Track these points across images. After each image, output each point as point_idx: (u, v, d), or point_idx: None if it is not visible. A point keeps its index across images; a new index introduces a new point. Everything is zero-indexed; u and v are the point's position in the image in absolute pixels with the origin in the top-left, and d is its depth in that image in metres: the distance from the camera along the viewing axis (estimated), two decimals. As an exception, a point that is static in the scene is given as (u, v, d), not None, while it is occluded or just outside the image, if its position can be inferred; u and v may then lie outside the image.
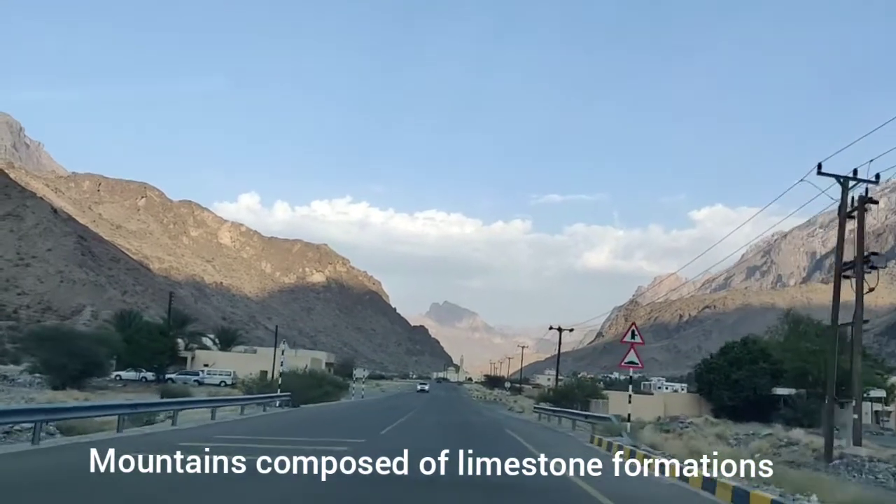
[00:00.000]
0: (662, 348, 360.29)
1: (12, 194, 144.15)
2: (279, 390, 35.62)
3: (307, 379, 47.14)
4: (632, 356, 24.71)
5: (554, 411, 39.29)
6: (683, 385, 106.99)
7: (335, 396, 49.91)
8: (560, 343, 69.82)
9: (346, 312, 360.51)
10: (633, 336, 25.51)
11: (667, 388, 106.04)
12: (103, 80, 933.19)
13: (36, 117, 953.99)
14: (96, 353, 49.58)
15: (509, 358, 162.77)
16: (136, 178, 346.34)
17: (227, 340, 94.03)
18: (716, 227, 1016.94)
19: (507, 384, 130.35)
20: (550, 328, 68.94)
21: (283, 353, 40.48)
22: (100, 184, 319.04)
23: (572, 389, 61.96)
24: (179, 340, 78.69)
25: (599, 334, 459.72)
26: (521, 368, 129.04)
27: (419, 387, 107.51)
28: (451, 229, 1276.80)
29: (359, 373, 66.73)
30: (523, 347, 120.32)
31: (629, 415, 25.18)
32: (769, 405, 44.36)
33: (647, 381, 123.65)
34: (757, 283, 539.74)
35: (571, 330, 70.61)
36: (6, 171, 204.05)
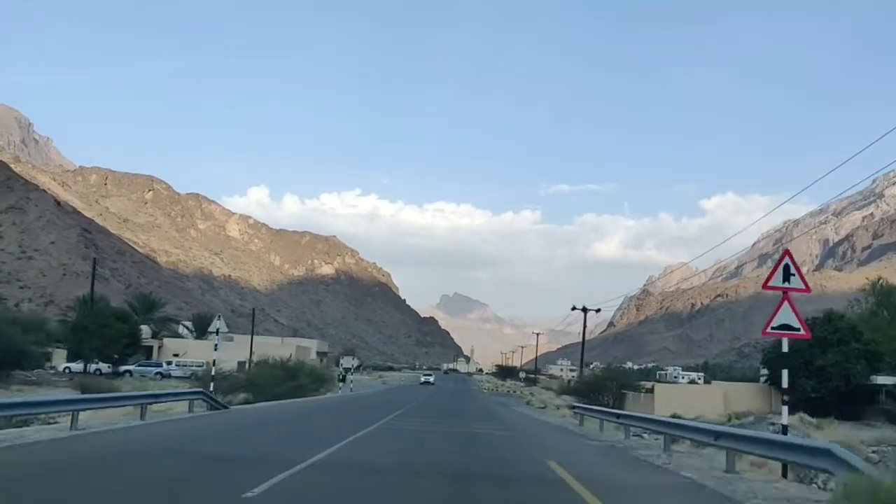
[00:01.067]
0: (675, 338, 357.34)
1: (15, 187, 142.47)
2: (212, 385, 26.35)
3: (277, 370, 38.99)
4: (787, 315, 12.18)
5: (617, 416, 21.81)
6: (700, 374, 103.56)
7: (315, 391, 42.49)
8: (585, 326, 61.26)
9: (356, 304, 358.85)
10: (786, 276, 12.36)
11: (683, 378, 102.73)
12: (109, 70, 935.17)
13: (45, 113, 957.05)
14: (19, 341, 41.97)
15: (522, 347, 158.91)
16: (143, 172, 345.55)
17: (203, 327, 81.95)
18: (726, 215, 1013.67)
19: (522, 374, 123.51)
20: (574, 308, 59.38)
21: (217, 335, 27.33)
22: (107, 177, 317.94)
23: (602, 380, 52.38)
24: (145, 327, 69.84)
25: (611, 324, 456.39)
26: (536, 357, 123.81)
27: (423, 378, 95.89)
28: (461, 221, 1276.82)
29: (347, 362, 55.71)
30: (538, 334, 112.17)
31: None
32: (866, 398, 36.49)
33: (662, 370, 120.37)
34: (769, 271, 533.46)
35: (598, 310, 61.62)
36: (12, 164, 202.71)
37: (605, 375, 56.91)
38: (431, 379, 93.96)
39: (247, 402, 30.40)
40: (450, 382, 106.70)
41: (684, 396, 45.23)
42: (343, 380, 51.22)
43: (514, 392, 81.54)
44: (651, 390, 50.31)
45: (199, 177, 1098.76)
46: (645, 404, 44.50)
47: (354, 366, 57.41)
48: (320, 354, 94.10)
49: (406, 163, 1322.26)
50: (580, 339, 64.35)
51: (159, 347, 72.48)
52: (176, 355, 67.15)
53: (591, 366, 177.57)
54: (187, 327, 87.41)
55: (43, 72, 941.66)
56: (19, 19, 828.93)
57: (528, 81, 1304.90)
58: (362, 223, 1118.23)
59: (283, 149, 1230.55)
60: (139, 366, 59.86)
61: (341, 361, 56.98)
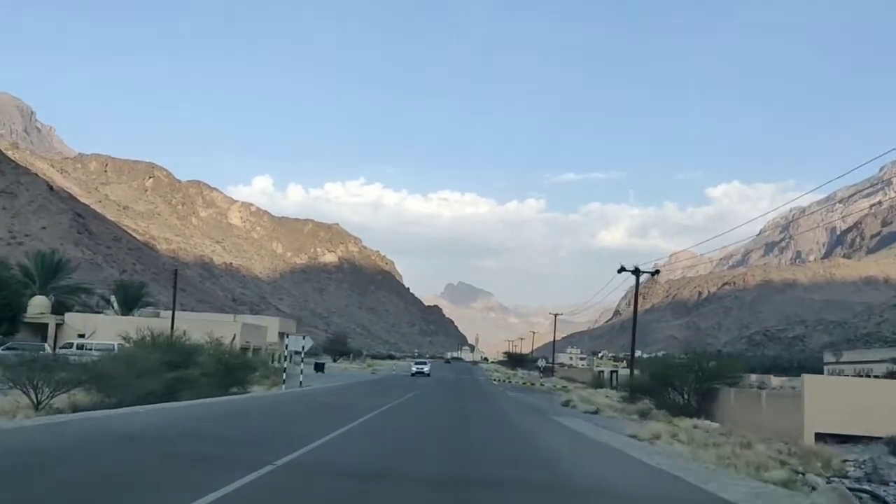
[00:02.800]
0: (682, 326, 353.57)
1: (6, 171, 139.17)
2: None
3: (153, 354, 25.22)
4: None
5: None
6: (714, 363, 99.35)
7: (239, 385, 31.46)
8: (637, 293, 46.21)
9: (359, 293, 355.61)
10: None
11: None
12: (111, 59, 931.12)
13: (47, 102, 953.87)
14: None
15: (533, 333, 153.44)
16: (144, 159, 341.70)
17: (132, 300, 66.32)
18: (732, 203, 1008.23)
19: (542, 362, 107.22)
20: (622, 270, 44.67)
21: None
22: (106, 164, 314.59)
23: (678, 369, 34.23)
24: (41, 298, 56.02)
25: (616, 313, 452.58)
26: (554, 342, 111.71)
27: (414, 368, 76.78)
28: (465, 209, 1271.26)
29: (294, 343, 38.85)
30: (556, 315, 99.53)
31: None
32: None
33: (675, 358, 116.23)
34: (776, 260, 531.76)
35: (656, 272, 48.58)
36: (10, 150, 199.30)
37: (683, 361, 36.91)
38: (426, 369, 75.13)
39: (95, 407, 19.24)
40: (451, 373, 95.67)
41: (861, 395, 26.98)
42: (321, 369, 43.30)
43: (533, 385, 68.87)
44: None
45: (203, 166, 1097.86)
46: (774, 407, 27.47)
47: (305, 348, 40.16)
48: (285, 335, 78.28)
49: (411, 152, 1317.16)
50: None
51: (58, 325, 55.83)
52: (81, 335, 51.18)
53: (600, 354, 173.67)
54: (106, 300, 70.17)
55: (45, 60, 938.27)
56: (21, 8, 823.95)
57: (533, 71, 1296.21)
58: (366, 212, 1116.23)
59: (287, 139, 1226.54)
60: (6, 349, 43.06)
61: (286, 342, 39.76)
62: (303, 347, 38.78)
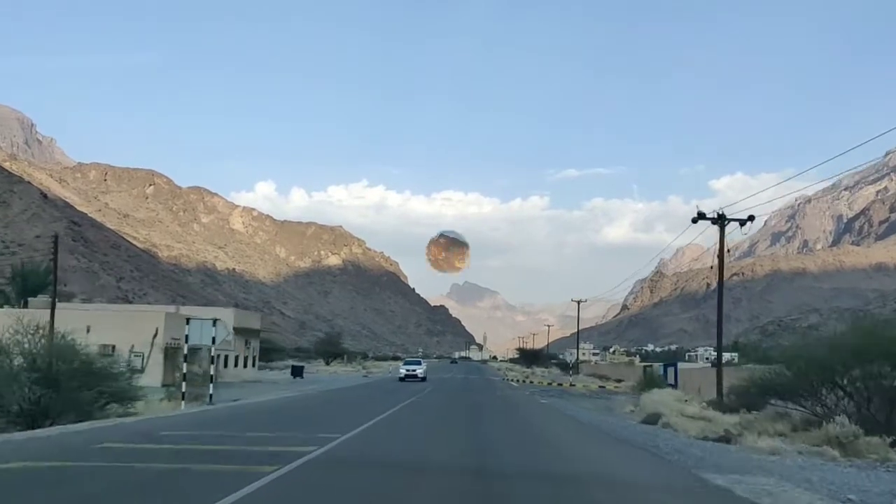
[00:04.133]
0: (691, 318, 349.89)
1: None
2: None
3: None
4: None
5: None
6: (734, 355, 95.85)
7: (70, 408, 17.78)
8: (723, 248, 32.21)
9: (364, 295, 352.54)
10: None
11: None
12: (110, 69, 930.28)
13: (48, 114, 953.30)
14: None
15: (548, 326, 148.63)
16: (143, 166, 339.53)
17: (32, 290, 53.70)
18: (736, 195, 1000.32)
19: (570, 357, 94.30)
20: (697, 219, 33.70)
21: None
22: (106, 173, 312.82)
23: (849, 358, 17.65)
24: None
25: (624, 307, 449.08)
26: (578, 333, 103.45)
27: (403, 370, 56.68)
28: (469, 209, 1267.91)
29: (198, 333, 24.17)
30: (579, 302, 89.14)
31: None
32: None
33: (691, 351, 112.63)
34: (783, 249, 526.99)
35: (750, 219, 36.09)
36: (7, 162, 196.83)
37: (860, 342, 18.35)
38: (419, 371, 55.50)
39: None
40: (460, 373, 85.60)
41: None
42: (299, 373, 29.33)
43: (561, 385, 56.80)
44: None
45: (204, 173, 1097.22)
46: None
47: (217, 340, 24.76)
48: (244, 332, 54.44)
49: (413, 153, 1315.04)
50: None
51: None
52: None
53: (612, 349, 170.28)
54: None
55: (44, 70, 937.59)
56: (19, 17, 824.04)
57: (533, 68, 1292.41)
58: (370, 214, 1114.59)
59: (289, 143, 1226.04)
60: None
61: (186, 331, 24.58)
62: (213, 339, 24.18)
